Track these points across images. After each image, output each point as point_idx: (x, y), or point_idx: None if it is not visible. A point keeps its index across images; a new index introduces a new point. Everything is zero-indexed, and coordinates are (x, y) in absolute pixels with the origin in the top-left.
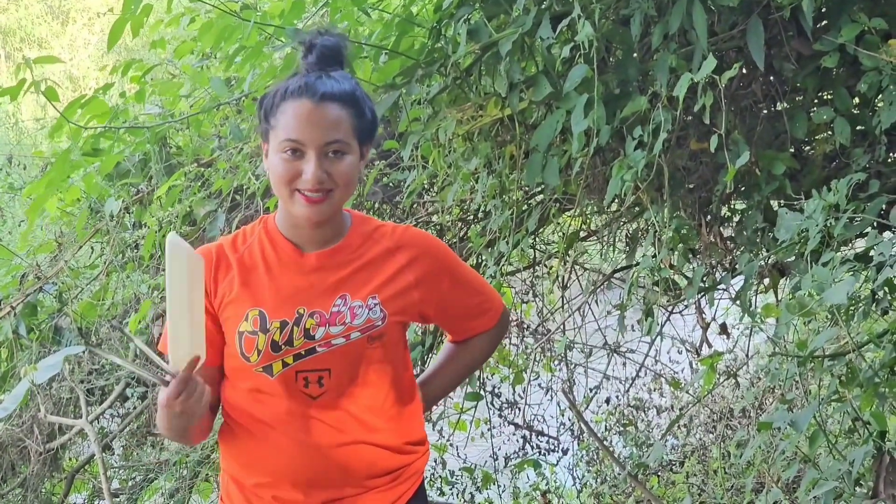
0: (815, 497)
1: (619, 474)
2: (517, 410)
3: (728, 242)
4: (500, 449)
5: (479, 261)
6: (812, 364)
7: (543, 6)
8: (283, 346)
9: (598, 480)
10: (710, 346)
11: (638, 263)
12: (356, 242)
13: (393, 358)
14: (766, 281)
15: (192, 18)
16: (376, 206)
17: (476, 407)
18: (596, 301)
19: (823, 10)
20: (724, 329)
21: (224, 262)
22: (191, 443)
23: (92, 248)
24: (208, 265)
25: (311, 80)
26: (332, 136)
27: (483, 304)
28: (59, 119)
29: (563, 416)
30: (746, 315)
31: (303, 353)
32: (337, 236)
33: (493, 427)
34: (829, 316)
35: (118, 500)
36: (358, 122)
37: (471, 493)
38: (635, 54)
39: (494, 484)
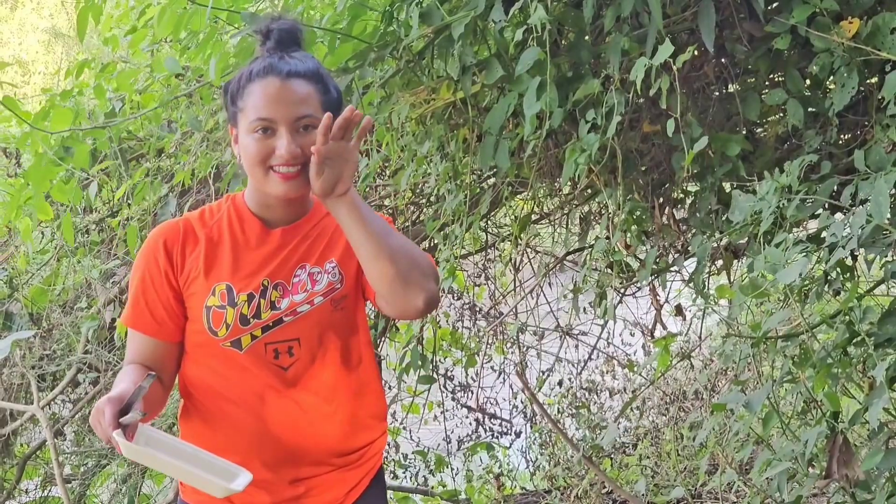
0: (768, 478)
1: (573, 457)
2: (470, 393)
3: (681, 224)
4: (453, 432)
5: (432, 244)
6: (765, 345)
7: None
8: (251, 319)
9: (552, 463)
10: (664, 327)
11: (591, 246)
12: (317, 216)
13: (355, 326)
14: (719, 263)
15: (142, 11)
16: None
17: (429, 390)
18: (548, 284)
19: None
20: (679, 310)
21: (191, 236)
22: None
23: (42, 233)
24: (175, 238)
25: (274, 60)
26: (302, 111)
27: None
28: (24, 127)
29: (515, 398)
30: (700, 297)
31: (270, 324)
32: (303, 212)
33: (446, 410)
34: (782, 297)
35: (70, 485)
36: (325, 98)
37: (424, 476)
38: (588, 37)
39: (448, 467)
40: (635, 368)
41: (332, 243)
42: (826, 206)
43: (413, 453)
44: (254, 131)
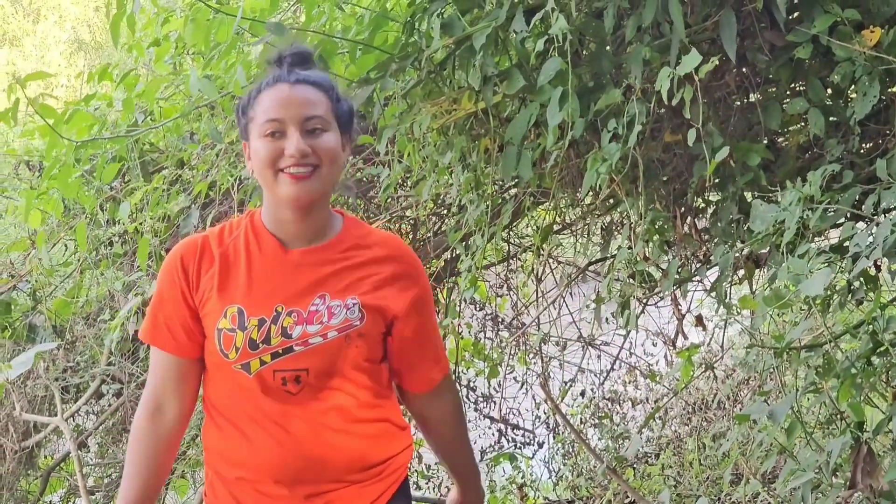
0: (792, 488)
1: (596, 467)
2: (493, 404)
3: (703, 234)
4: (475, 442)
5: (454, 254)
6: (788, 355)
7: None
8: (260, 345)
9: (575, 473)
10: (686, 337)
11: (613, 256)
12: (346, 244)
13: (372, 354)
14: (741, 272)
15: (165, 19)
16: (350, 201)
17: None
18: (571, 294)
19: (796, 0)
20: (699, 321)
21: (208, 254)
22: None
23: (66, 245)
24: (192, 255)
25: (283, 72)
26: (311, 112)
27: (441, 351)
28: (51, 136)
29: (538, 409)
30: (722, 306)
31: (280, 351)
32: (323, 234)
33: (469, 421)
34: (805, 307)
35: (94, 497)
36: (335, 107)
37: (447, 486)
38: (609, 47)
39: None
40: (657, 378)
41: (359, 281)
42: (848, 215)
43: (436, 464)
44: (264, 134)
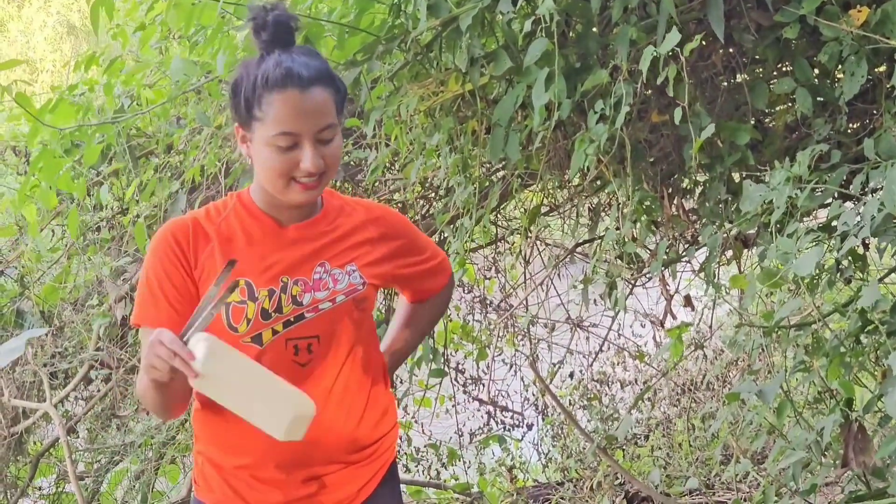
0: (782, 468)
1: (585, 448)
2: (481, 386)
3: (690, 214)
4: (464, 425)
5: (442, 237)
6: (777, 334)
7: None
8: (272, 314)
9: (564, 455)
10: (674, 318)
11: (601, 237)
12: (331, 215)
13: (370, 326)
14: (729, 253)
15: (150, 6)
16: (337, 184)
17: (440, 383)
18: (559, 276)
19: None
20: (688, 301)
21: (202, 234)
22: (169, 413)
23: (53, 231)
24: (185, 234)
25: (289, 65)
26: (324, 122)
27: (438, 265)
28: (32, 123)
29: (526, 391)
30: (711, 287)
31: (292, 319)
32: (313, 210)
33: (458, 403)
34: (793, 287)
35: (84, 483)
36: (337, 98)
37: (437, 469)
38: (595, 28)
39: (460, 460)
40: (646, 359)
41: (353, 247)
42: (836, 194)
43: (425, 447)
44: (276, 144)
